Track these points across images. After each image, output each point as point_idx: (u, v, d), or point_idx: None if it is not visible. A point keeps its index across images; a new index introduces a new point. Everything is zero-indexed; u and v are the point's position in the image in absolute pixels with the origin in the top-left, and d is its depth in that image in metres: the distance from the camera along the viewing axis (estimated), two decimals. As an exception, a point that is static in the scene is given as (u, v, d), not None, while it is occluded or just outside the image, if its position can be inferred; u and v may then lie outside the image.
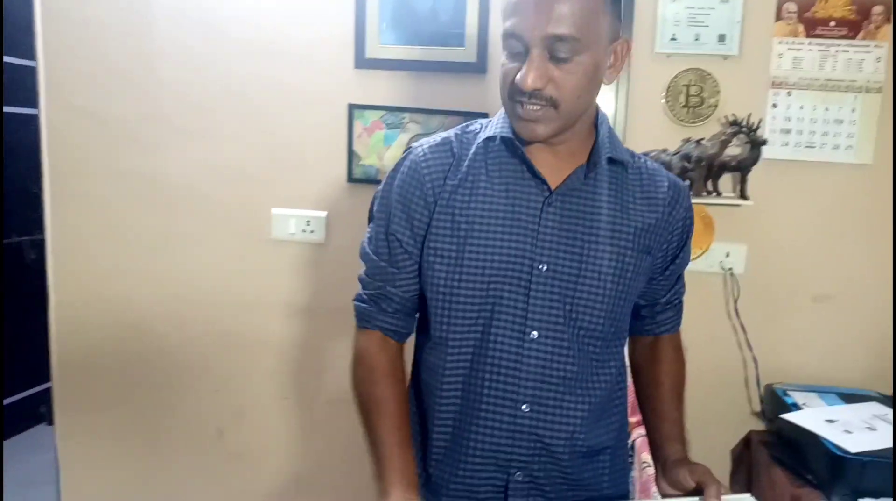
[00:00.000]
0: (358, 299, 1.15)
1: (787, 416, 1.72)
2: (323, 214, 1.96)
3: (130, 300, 2.04)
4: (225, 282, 2.01)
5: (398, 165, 1.12)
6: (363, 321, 1.14)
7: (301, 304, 2.01)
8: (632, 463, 1.49)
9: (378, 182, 1.89)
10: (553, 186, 1.03)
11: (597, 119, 1.08)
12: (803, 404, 1.78)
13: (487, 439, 1.04)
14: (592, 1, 0.94)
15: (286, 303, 2.01)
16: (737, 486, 2.01)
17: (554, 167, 1.04)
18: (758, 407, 1.95)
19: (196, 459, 2.10)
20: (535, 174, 1.03)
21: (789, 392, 1.84)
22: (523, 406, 1.03)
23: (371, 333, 1.13)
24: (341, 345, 1.98)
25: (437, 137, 1.12)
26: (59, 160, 2.00)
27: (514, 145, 1.04)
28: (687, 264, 1.16)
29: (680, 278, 1.17)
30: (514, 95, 0.97)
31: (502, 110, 1.08)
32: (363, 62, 1.85)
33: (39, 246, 3.03)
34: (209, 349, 2.05)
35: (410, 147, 1.13)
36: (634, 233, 1.05)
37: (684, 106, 1.81)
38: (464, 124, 1.13)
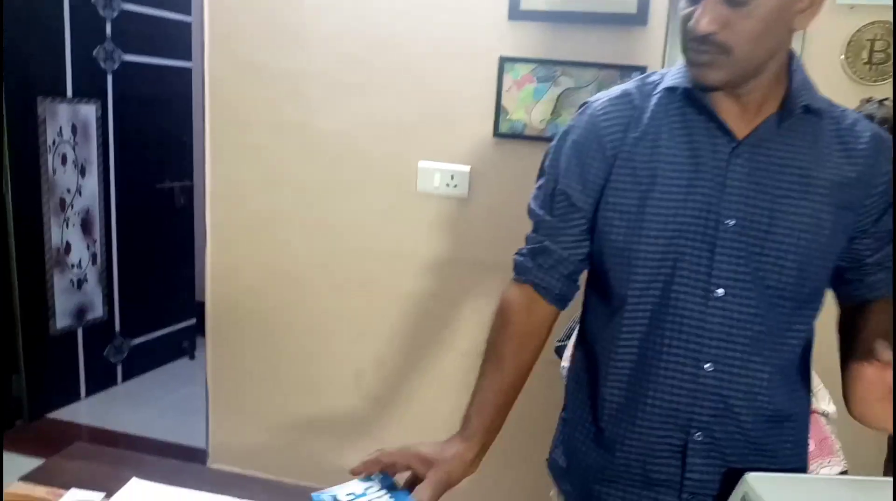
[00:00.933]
0: (517, 253, 1.14)
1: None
2: (466, 168, 1.96)
3: (282, 246, 2.13)
4: (371, 233, 2.06)
5: (575, 120, 1.09)
6: (518, 273, 1.12)
7: (442, 258, 2.03)
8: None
9: (524, 137, 1.89)
10: (740, 138, 0.98)
11: (790, 66, 1.00)
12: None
13: (666, 397, 1.01)
14: None
15: (427, 256, 2.04)
16: (890, 470, 1.89)
17: (740, 118, 0.99)
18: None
19: (335, 401, 2.19)
20: (721, 125, 0.98)
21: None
22: (706, 365, 1.00)
23: (522, 286, 1.11)
24: (479, 300, 2.00)
25: (617, 89, 1.08)
26: (219, 111, 2.10)
27: (696, 95, 0.99)
28: (892, 220, 1.04)
29: (890, 237, 1.06)
30: (686, 40, 0.93)
31: (682, 60, 1.03)
32: (517, 14, 1.82)
33: (189, 192, 3.26)
34: (353, 297, 2.12)
35: (587, 102, 1.10)
36: (832, 187, 0.98)
37: (866, 62, 1.66)
38: (643, 76, 1.09)
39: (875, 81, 1.67)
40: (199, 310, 2.80)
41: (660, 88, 1.04)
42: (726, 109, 0.99)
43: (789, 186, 0.97)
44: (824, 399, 1.68)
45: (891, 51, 1.65)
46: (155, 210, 3.16)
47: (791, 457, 1.05)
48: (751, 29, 0.90)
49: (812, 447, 1.48)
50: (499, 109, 1.89)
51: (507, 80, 1.87)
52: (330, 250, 2.10)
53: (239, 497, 1.03)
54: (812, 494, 0.92)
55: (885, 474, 1.91)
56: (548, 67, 1.84)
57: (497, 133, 1.91)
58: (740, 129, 0.98)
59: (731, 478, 1.00)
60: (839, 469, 1.57)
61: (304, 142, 2.05)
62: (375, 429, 2.18)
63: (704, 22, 0.89)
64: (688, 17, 0.92)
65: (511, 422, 1.98)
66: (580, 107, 1.11)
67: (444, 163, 1.97)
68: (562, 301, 1.12)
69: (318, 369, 2.19)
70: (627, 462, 1.04)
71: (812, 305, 1.04)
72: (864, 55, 1.66)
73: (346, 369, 2.17)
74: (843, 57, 1.68)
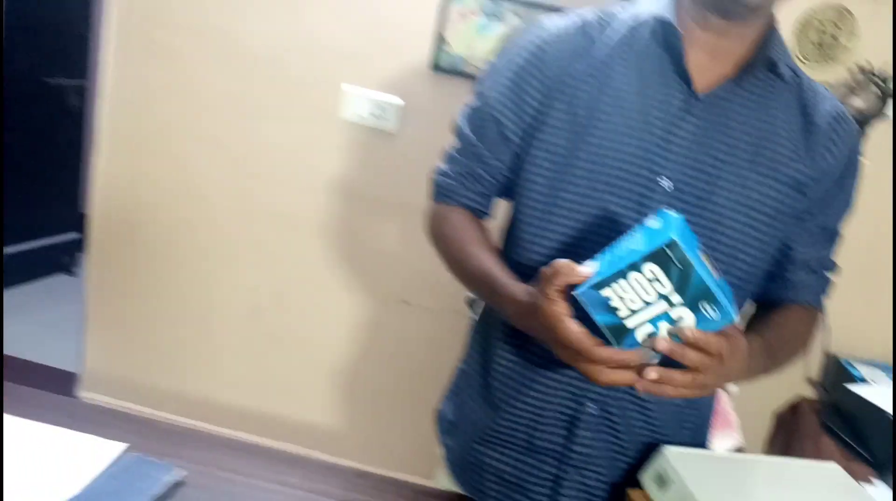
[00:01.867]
0: (440, 173, 1.03)
1: (855, 388, 1.64)
2: (398, 101, 1.82)
3: (185, 161, 1.94)
4: (286, 158, 1.90)
5: (519, 38, 0.97)
6: (444, 196, 1.02)
7: (361, 194, 1.90)
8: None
9: (463, 74, 1.77)
10: (699, 92, 0.89)
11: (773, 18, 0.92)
12: (870, 379, 1.71)
13: (562, 364, 0.94)
14: None
15: (346, 191, 1.91)
16: (773, 450, 1.97)
17: (706, 69, 0.89)
18: (812, 373, 1.87)
19: (229, 336, 2.05)
20: (683, 73, 0.89)
21: (855, 364, 1.76)
22: None
23: (452, 207, 1.02)
24: (397, 244, 1.90)
25: (572, 16, 0.96)
26: (127, 2, 1.84)
27: (667, 32, 0.89)
28: (837, 221, 0.99)
29: (830, 241, 1.00)
30: None
31: None
32: (472, -62, 1.68)
33: (82, 93, 2.93)
34: (258, 226, 1.96)
35: (539, 21, 0.97)
36: (785, 162, 0.90)
37: (815, 44, 1.64)
38: (608, 8, 0.97)
39: (818, 62, 1.65)
40: (82, 223, 2.54)
41: (625, 20, 0.93)
42: (694, 55, 0.89)
43: (739, 153, 0.89)
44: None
45: (840, 35, 1.64)
46: (41, 108, 2.82)
47: (689, 444, 0.99)
48: None
49: (714, 430, 1.49)
50: (439, 41, 1.76)
51: (452, 10, 1.73)
52: (238, 172, 1.92)
53: (107, 437, 0.90)
54: (731, 473, 0.89)
55: (766, 450, 1.99)
56: (497, 3, 1.71)
57: (435, 66, 1.78)
58: (701, 82, 0.89)
59: (618, 459, 0.95)
60: (736, 442, 1.60)
61: (223, 50, 1.85)
62: (269, 370, 2.05)
63: None
64: None
65: (411, 371, 1.91)
66: (530, 26, 0.98)
67: (374, 91, 1.82)
68: (487, 218, 1.04)
69: (211, 299, 2.03)
70: (512, 425, 0.97)
71: (740, 291, 0.95)
72: (813, 35, 1.64)
73: (243, 301, 2.02)
74: (790, 34, 1.65)
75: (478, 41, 1.75)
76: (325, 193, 1.92)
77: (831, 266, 1.03)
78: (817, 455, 1.71)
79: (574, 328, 0.75)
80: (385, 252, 1.92)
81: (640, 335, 0.72)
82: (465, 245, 0.97)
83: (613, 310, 0.72)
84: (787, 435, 1.91)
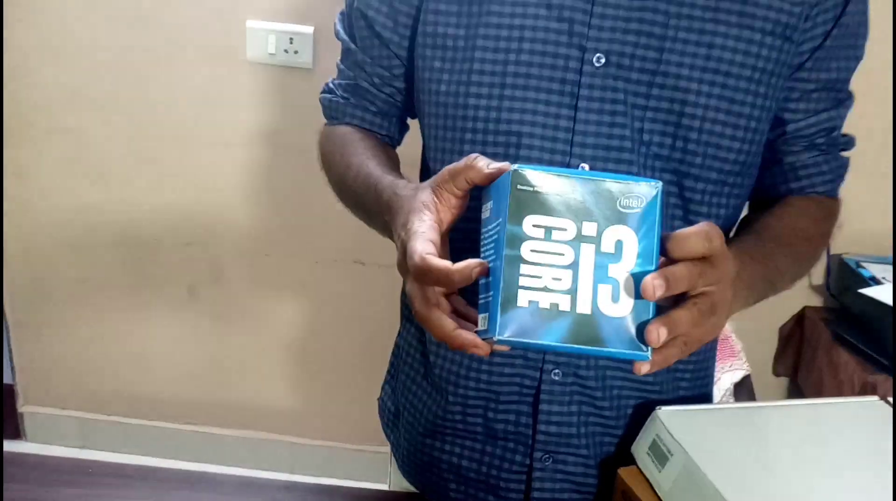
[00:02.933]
0: (325, 89, 0.82)
1: (867, 291, 1.45)
2: (309, 29, 1.56)
3: (79, 135, 1.69)
4: (192, 114, 1.66)
5: None
6: (331, 116, 0.82)
7: (285, 145, 1.66)
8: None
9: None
10: None
11: None
12: (882, 278, 1.51)
13: None
14: None
15: (266, 143, 1.67)
16: (781, 368, 1.79)
17: None
18: (817, 280, 1.68)
19: (166, 320, 1.83)
20: None
21: (863, 264, 1.57)
22: None
23: (340, 125, 0.81)
24: (332, 196, 1.67)
25: None
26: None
27: None
28: (845, 76, 0.74)
29: (838, 101, 0.74)
30: None
31: None
32: None
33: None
34: (174, 195, 1.73)
35: None
36: (757, 1, 0.66)
37: None
38: None
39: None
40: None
41: None
42: None
43: (692, 2, 0.65)
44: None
45: None
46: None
47: (690, 397, 0.78)
48: None
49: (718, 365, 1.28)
50: (346, -49, 1.49)
51: (356, -89, 1.46)
52: (141, 137, 1.68)
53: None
54: (748, 432, 0.68)
55: (774, 371, 1.81)
56: None
57: (345, -17, 1.52)
58: None
59: (601, 433, 0.73)
60: (742, 372, 1.41)
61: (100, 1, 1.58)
62: (214, 353, 1.85)
63: None
64: None
65: (371, 337, 1.68)
66: None
67: (280, 23, 1.56)
68: (393, 143, 0.83)
69: (143, 285, 1.80)
70: (464, 410, 0.75)
71: (728, 189, 0.71)
72: None
73: (177, 283, 1.80)
74: None
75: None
76: (240, 148, 1.68)
77: (843, 140, 0.78)
78: (833, 371, 1.53)
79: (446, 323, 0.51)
80: (329, 207, 1.68)
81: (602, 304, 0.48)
82: (346, 160, 0.75)
83: (550, 315, 0.48)
84: (796, 352, 1.73)
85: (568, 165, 0.68)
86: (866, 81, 1.51)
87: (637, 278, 0.47)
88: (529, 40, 0.66)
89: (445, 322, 0.51)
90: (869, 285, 1.48)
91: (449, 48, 0.69)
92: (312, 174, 1.71)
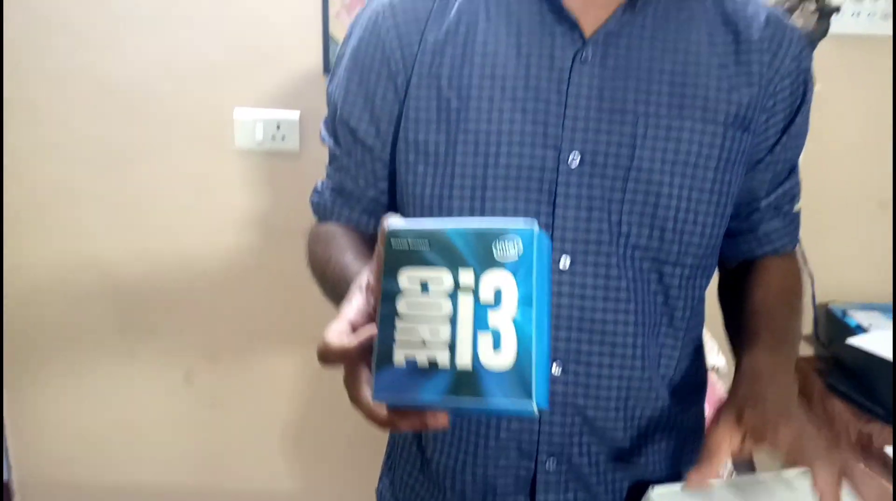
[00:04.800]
0: (315, 191, 0.86)
1: (854, 340, 1.46)
2: (295, 115, 1.62)
3: (76, 228, 1.72)
4: (183, 202, 1.69)
5: (358, 16, 0.78)
6: (322, 217, 0.85)
7: (274, 225, 1.70)
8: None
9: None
10: (588, 33, 0.70)
11: None
12: (868, 325, 1.53)
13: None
14: None
15: (256, 227, 1.70)
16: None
17: (591, 3, 0.71)
18: (808, 329, 1.70)
19: (162, 408, 1.82)
20: (562, 14, 0.70)
21: (850, 313, 1.59)
22: (552, 367, 0.72)
23: (332, 224, 0.84)
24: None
25: None
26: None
27: None
28: (801, 149, 0.81)
29: (792, 171, 0.82)
30: None
31: None
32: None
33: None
34: (171, 282, 1.75)
35: None
36: (718, 97, 0.71)
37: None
38: None
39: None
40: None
41: None
42: None
43: (657, 97, 0.70)
44: (712, 351, 1.51)
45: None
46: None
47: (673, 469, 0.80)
48: None
49: (708, 412, 1.29)
50: (327, 40, 1.56)
51: (335, 2, 1.54)
52: (135, 228, 1.71)
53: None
54: None
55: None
56: (381, -14, 1.52)
57: (328, 69, 1.58)
58: (588, 20, 0.70)
59: None
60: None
61: (88, 93, 1.63)
62: (216, 440, 1.84)
63: None
64: None
65: (351, 436, 1.67)
66: None
67: (267, 109, 1.62)
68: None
69: (136, 371, 1.81)
70: None
71: (701, 273, 0.77)
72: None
73: (173, 368, 1.80)
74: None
75: (369, 33, 1.55)
76: (232, 233, 1.71)
77: (797, 196, 0.85)
78: (829, 422, 1.53)
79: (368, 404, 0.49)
80: (311, 286, 1.71)
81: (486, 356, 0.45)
82: (327, 251, 0.77)
83: (428, 371, 0.45)
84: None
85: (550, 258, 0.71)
86: (840, 141, 1.57)
87: (518, 325, 0.44)
88: (507, 143, 0.70)
89: (362, 398, 0.48)
90: (856, 334, 1.50)
91: (430, 153, 0.72)
92: (299, 255, 1.75)
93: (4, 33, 1.60)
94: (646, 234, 0.71)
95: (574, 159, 0.70)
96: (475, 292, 0.44)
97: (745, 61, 0.72)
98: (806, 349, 1.72)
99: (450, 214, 0.72)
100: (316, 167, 1.58)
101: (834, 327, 1.59)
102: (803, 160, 1.59)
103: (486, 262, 0.45)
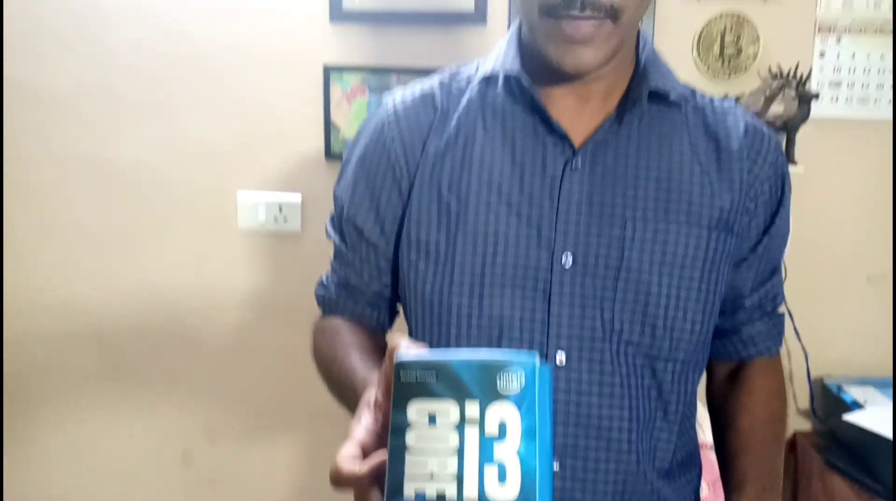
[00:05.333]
0: (320, 284, 0.89)
1: (851, 417, 1.47)
2: (297, 197, 1.67)
3: (80, 306, 1.75)
4: (186, 282, 1.72)
5: (364, 124, 0.84)
6: (327, 310, 0.88)
7: (275, 305, 1.72)
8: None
9: (361, 158, 1.64)
10: (578, 143, 0.75)
11: (638, 43, 0.79)
12: (864, 401, 1.54)
13: None
14: None
15: (258, 305, 1.73)
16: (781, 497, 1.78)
17: (579, 115, 0.76)
18: (806, 404, 1.70)
19: (160, 485, 1.81)
20: (552, 128, 0.75)
21: (845, 388, 1.60)
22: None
23: (337, 318, 0.87)
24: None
25: (416, 86, 0.83)
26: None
27: (521, 87, 0.76)
28: (783, 250, 0.86)
29: (775, 272, 0.86)
30: (555, 7, 0.68)
31: (503, 42, 0.80)
32: (340, 15, 1.56)
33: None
34: (171, 359, 1.76)
35: (384, 97, 0.85)
36: (702, 201, 0.76)
37: (719, 57, 1.54)
38: (453, 68, 0.85)
39: (729, 76, 1.55)
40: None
41: (475, 80, 0.79)
42: (562, 105, 0.75)
43: (645, 203, 0.74)
44: (707, 426, 1.51)
45: (742, 44, 1.54)
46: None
47: None
48: None
49: (705, 492, 1.29)
50: (328, 127, 1.62)
51: (336, 92, 1.61)
52: (139, 307, 1.74)
53: None
54: None
55: None
56: (381, 76, 1.59)
57: (329, 154, 1.64)
58: (577, 131, 0.75)
59: None
60: None
61: (93, 177, 1.69)
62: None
63: None
64: None
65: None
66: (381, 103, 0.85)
67: (270, 192, 1.67)
68: (383, 329, 0.88)
69: (136, 450, 1.80)
70: None
71: (692, 368, 0.80)
72: (716, 49, 1.55)
73: (171, 446, 1.80)
74: (694, 53, 1.55)
75: (369, 119, 1.62)
76: (235, 312, 1.73)
77: (780, 296, 0.89)
78: (828, 497, 1.52)
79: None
80: (310, 363, 1.73)
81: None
82: (331, 354, 0.80)
83: None
84: (792, 480, 1.72)
85: (546, 354, 0.74)
86: (825, 220, 1.61)
87: (523, 458, 0.45)
88: (503, 244, 0.74)
89: None
90: (851, 410, 1.50)
91: (431, 252, 0.76)
92: (303, 334, 1.77)
93: (13, 119, 1.66)
94: (637, 330, 0.74)
95: (567, 260, 0.74)
96: (481, 424, 0.46)
97: (726, 169, 0.77)
98: (804, 424, 1.72)
99: (449, 309, 0.76)
100: (317, 247, 1.64)
101: (830, 402, 1.60)
102: (793, 239, 1.65)
103: (490, 394, 0.46)
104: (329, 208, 1.65)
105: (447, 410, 0.46)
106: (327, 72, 1.59)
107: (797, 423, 1.72)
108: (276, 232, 1.68)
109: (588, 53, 0.69)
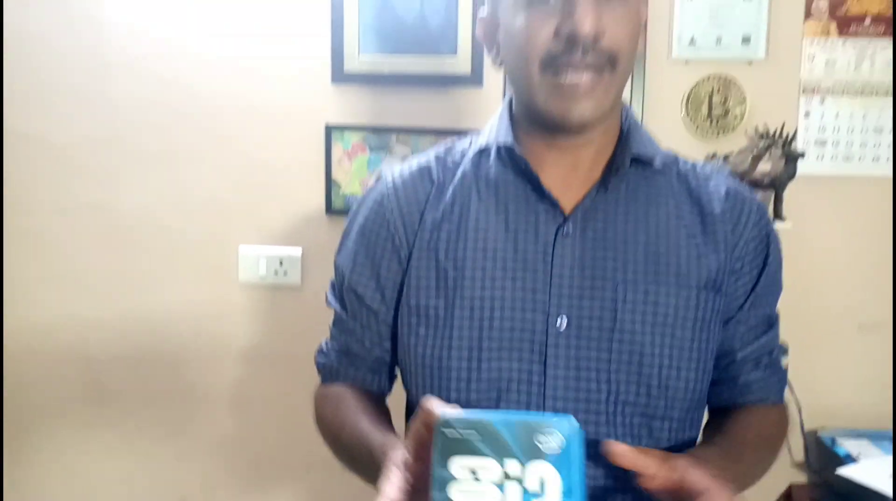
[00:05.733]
0: (320, 352, 0.92)
1: (845, 472, 1.48)
2: (298, 251, 1.70)
3: (79, 354, 1.77)
4: (187, 333, 1.75)
5: (364, 197, 0.89)
6: (327, 377, 0.91)
7: (274, 357, 1.75)
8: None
9: (361, 213, 1.68)
10: (568, 209, 0.79)
11: (622, 113, 0.84)
12: (857, 454, 1.55)
13: None
14: None
15: (257, 357, 1.75)
16: (779, 548, 1.77)
17: (569, 183, 0.80)
18: (800, 456, 1.71)
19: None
20: (544, 195, 0.79)
21: (839, 440, 1.61)
22: None
23: (335, 385, 0.90)
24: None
25: (413, 161, 0.88)
26: (-5, 194, 1.74)
27: (514, 156, 0.80)
28: (773, 307, 0.88)
29: (771, 327, 0.88)
30: (551, 59, 0.72)
31: (495, 118, 0.85)
32: (341, 76, 1.62)
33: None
34: (170, 408, 1.77)
35: (382, 174, 0.90)
36: (689, 263, 0.79)
37: (707, 117, 1.60)
38: (448, 143, 0.90)
39: (718, 135, 1.61)
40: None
41: (469, 153, 0.84)
42: (552, 173, 0.79)
43: (635, 266, 0.77)
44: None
45: (730, 105, 1.60)
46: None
47: None
48: (630, 32, 0.73)
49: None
50: (329, 183, 1.67)
51: (337, 150, 1.66)
52: (138, 356, 1.76)
53: None
54: None
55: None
56: (381, 135, 1.64)
57: (330, 210, 1.68)
58: (567, 198, 0.79)
59: None
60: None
61: (97, 226, 1.73)
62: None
63: (590, 20, 0.68)
64: (539, 29, 0.71)
65: None
66: (376, 178, 0.91)
67: (271, 246, 1.70)
68: (383, 394, 0.91)
69: (134, 497, 1.80)
70: None
71: (690, 423, 0.82)
72: (704, 110, 1.60)
73: (168, 495, 1.80)
74: (683, 113, 1.61)
75: (369, 177, 1.66)
76: (234, 363, 1.76)
77: (781, 352, 0.90)
78: (826, 550, 1.53)
79: None
80: (309, 415, 1.74)
81: None
82: (339, 420, 0.83)
83: None
84: (789, 531, 1.72)
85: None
86: (815, 273, 1.64)
87: None
88: (500, 308, 0.77)
89: None
90: (845, 464, 1.52)
91: (430, 317, 0.79)
92: (301, 385, 1.79)
93: (20, 168, 1.71)
94: (633, 390, 0.77)
95: (562, 323, 0.76)
96: (521, 481, 0.49)
97: (710, 232, 0.81)
98: (799, 477, 1.72)
99: (448, 372, 0.78)
100: (316, 300, 1.66)
101: (824, 455, 1.61)
102: (785, 292, 1.68)
103: (530, 453, 0.49)
104: (328, 261, 1.68)
105: (489, 466, 0.49)
106: (329, 130, 1.65)
107: (792, 475, 1.73)
108: (277, 285, 1.71)
109: (590, 105, 0.73)
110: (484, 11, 0.83)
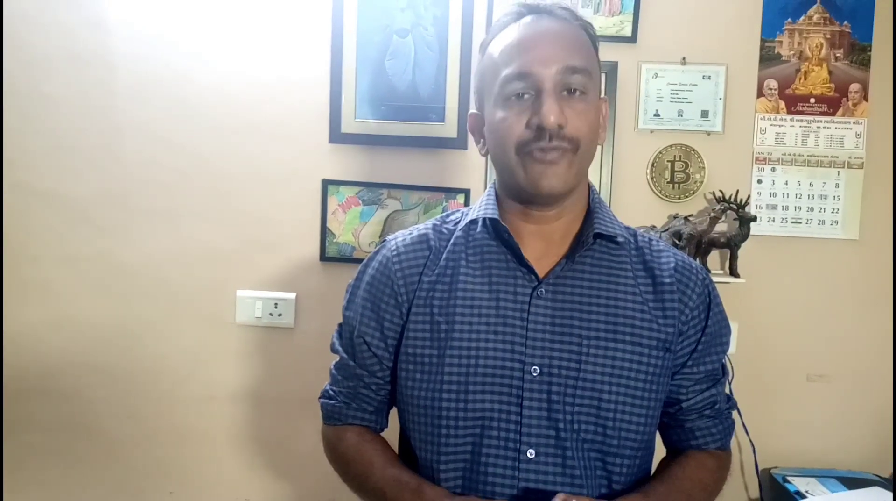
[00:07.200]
0: (325, 395, 1.04)
1: (794, 508, 1.62)
2: (292, 295, 1.82)
3: (78, 397, 1.84)
4: (184, 373, 1.84)
5: (370, 259, 1.03)
6: (334, 419, 1.03)
7: (267, 396, 1.84)
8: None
9: (352, 260, 1.81)
10: (542, 274, 0.94)
11: (590, 194, 1.00)
12: (806, 491, 1.69)
13: None
14: (590, 41, 0.92)
15: (250, 396, 1.85)
16: (737, 581, 1.89)
17: (544, 252, 0.95)
18: (755, 493, 1.85)
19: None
20: (522, 261, 0.93)
21: (789, 478, 1.75)
22: None
23: (345, 427, 1.02)
24: (312, 440, 1.82)
25: (414, 230, 1.03)
26: (5, 244, 1.82)
27: (498, 228, 0.95)
28: (717, 363, 1.02)
29: (716, 382, 1.01)
30: (524, 144, 0.88)
31: (484, 196, 1.00)
32: (338, 137, 1.77)
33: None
34: (167, 448, 1.85)
35: (385, 240, 1.05)
36: (643, 325, 0.93)
37: (669, 182, 1.77)
38: (444, 215, 1.05)
39: (679, 198, 1.77)
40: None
41: (461, 225, 0.99)
42: (530, 244, 0.95)
43: (597, 326, 0.92)
44: None
45: (690, 171, 1.77)
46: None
47: None
48: (591, 121, 0.89)
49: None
50: (324, 233, 1.80)
51: (332, 202, 1.79)
52: (136, 398, 1.84)
53: None
54: None
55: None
56: (373, 190, 1.78)
57: (324, 257, 1.81)
58: (542, 265, 0.94)
59: None
60: None
61: (100, 276, 1.82)
62: None
63: (556, 112, 0.85)
64: (516, 122, 0.87)
65: None
66: (379, 243, 1.06)
67: (267, 291, 1.82)
68: (382, 430, 1.05)
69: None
70: None
71: (640, 460, 0.95)
72: (667, 175, 1.77)
73: (161, 532, 1.87)
74: (648, 178, 1.77)
75: (362, 228, 1.80)
76: (228, 401, 1.84)
77: (727, 404, 1.05)
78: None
79: None
80: (308, 453, 1.84)
81: None
82: (367, 460, 0.96)
83: None
84: (745, 564, 1.84)
85: (518, 449, 0.89)
86: (767, 325, 1.79)
87: None
88: (483, 357, 0.91)
89: None
90: (795, 500, 1.65)
91: (426, 363, 0.93)
92: (292, 423, 1.89)
93: (30, 221, 1.80)
94: (591, 430, 0.91)
95: (535, 370, 0.90)
96: None
97: (660, 299, 0.96)
98: (755, 513, 1.86)
99: (440, 410, 0.92)
100: (309, 340, 1.80)
101: (777, 491, 1.75)
102: (738, 343, 1.82)
103: None
104: (321, 304, 1.81)
105: None
106: (325, 184, 1.78)
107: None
108: (271, 325, 1.82)
109: (558, 180, 0.88)
110: (472, 107, 0.99)
